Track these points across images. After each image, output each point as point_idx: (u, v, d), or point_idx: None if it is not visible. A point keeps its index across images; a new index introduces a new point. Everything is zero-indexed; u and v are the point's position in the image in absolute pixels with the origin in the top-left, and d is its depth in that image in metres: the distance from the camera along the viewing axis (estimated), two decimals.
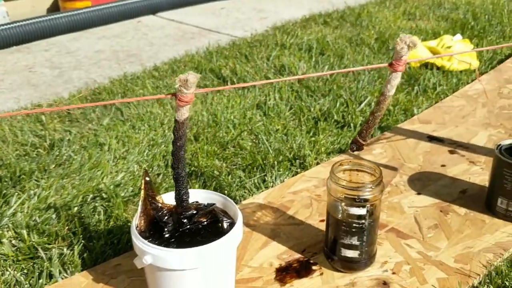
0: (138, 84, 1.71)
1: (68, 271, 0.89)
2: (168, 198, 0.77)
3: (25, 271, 0.90)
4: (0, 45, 2.28)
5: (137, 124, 1.43)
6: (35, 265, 0.91)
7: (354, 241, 0.81)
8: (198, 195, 0.79)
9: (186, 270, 0.68)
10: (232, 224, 0.73)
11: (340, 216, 0.81)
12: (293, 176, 1.16)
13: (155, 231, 0.73)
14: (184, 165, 0.70)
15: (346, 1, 2.79)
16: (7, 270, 0.89)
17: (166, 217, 0.73)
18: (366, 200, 0.78)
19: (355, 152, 0.83)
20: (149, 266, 0.69)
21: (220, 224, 0.74)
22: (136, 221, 0.72)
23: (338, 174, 0.81)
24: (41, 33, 2.39)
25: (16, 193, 1.12)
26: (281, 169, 1.17)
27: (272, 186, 1.12)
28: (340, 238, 0.82)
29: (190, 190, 0.76)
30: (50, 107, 1.58)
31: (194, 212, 0.74)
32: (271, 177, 1.15)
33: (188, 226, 0.73)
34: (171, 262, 0.67)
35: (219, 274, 0.73)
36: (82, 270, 0.89)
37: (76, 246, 0.94)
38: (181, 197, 0.72)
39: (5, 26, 2.29)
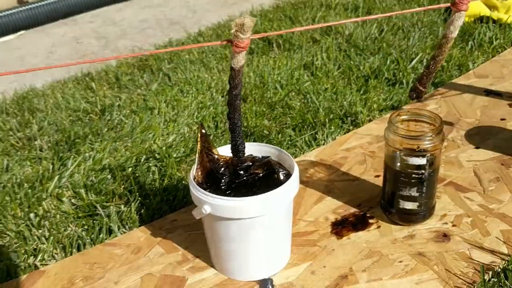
0: (184, 49, 1.71)
1: (127, 227, 0.91)
2: (223, 151, 0.77)
3: (86, 227, 0.93)
4: (48, 19, 2.32)
5: (185, 88, 1.43)
6: (94, 221, 0.93)
7: (413, 192, 0.79)
8: (252, 148, 0.78)
9: (244, 219, 0.68)
10: (288, 176, 0.73)
11: (398, 167, 0.78)
12: (345, 133, 1.13)
13: (212, 183, 0.73)
14: (240, 114, 0.69)
15: None
16: (68, 226, 0.92)
17: (222, 169, 0.73)
18: (426, 150, 0.75)
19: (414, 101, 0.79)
20: (208, 216, 0.69)
21: (276, 175, 0.73)
22: (194, 172, 0.72)
23: (396, 125, 0.78)
24: (86, 5, 2.42)
25: (72, 156, 1.15)
26: (332, 127, 1.15)
27: (323, 144, 1.10)
28: (398, 190, 0.80)
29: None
30: (100, 75, 1.60)
31: (250, 163, 0.74)
32: (322, 135, 1.13)
33: (245, 178, 0.73)
34: (230, 211, 0.67)
35: (277, 224, 0.73)
36: (140, 226, 0.91)
37: (133, 204, 0.96)
38: (237, 147, 0.71)
39: (52, 0, 2.33)
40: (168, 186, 1.01)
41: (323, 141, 1.11)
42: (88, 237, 0.89)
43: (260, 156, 0.78)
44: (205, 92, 1.40)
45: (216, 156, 0.74)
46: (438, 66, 0.73)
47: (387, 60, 1.47)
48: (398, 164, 0.78)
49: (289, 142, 1.12)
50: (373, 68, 1.43)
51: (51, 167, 1.12)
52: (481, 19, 1.67)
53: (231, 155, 0.75)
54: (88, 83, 1.55)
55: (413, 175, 0.77)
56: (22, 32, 2.25)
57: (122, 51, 1.88)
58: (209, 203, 0.67)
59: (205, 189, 0.71)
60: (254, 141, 1.14)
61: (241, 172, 0.73)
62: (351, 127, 1.16)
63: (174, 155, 1.12)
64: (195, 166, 0.73)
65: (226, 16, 2.04)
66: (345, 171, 0.99)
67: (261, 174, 0.74)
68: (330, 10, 1.93)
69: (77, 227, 0.92)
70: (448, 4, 0.70)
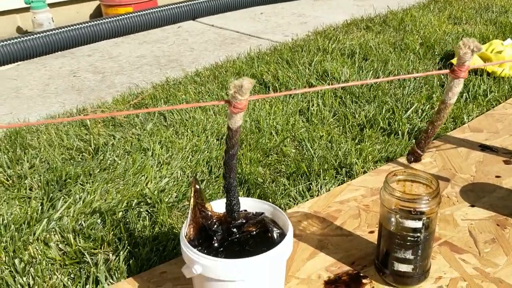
0: (180, 89, 1.71)
1: (114, 277, 0.88)
2: (217, 206, 0.75)
3: (72, 275, 0.90)
4: (46, 51, 2.33)
5: (180, 129, 1.43)
6: (81, 270, 0.91)
7: (408, 255, 0.77)
8: (246, 204, 0.77)
9: (236, 281, 0.66)
10: (282, 235, 0.71)
11: (393, 228, 0.77)
12: (339, 185, 1.12)
13: (204, 240, 0.71)
14: (235, 174, 0.68)
15: (389, 5, 2.74)
16: (54, 274, 0.90)
17: (215, 226, 0.72)
18: (422, 213, 0.74)
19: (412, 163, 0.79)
20: (198, 276, 0.67)
21: (269, 234, 0.72)
22: (186, 229, 0.71)
23: (392, 185, 0.77)
24: (85, 38, 2.43)
25: (62, 197, 1.13)
26: (326, 177, 1.14)
27: (317, 195, 1.09)
28: (393, 251, 0.79)
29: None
30: (96, 113, 1.60)
31: (244, 221, 0.73)
32: (316, 185, 1.12)
33: (237, 236, 0.71)
34: (221, 272, 0.65)
35: (268, 286, 0.71)
36: (127, 277, 0.88)
37: (121, 252, 0.93)
38: (232, 207, 0.70)
39: (51, 32, 2.34)
40: (159, 235, 0.99)
41: (317, 192, 1.10)
42: (74, 287, 0.87)
43: (254, 212, 0.76)
44: (200, 135, 1.40)
45: (209, 213, 0.72)
46: (436, 131, 0.73)
47: (383, 109, 1.47)
48: (393, 225, 0.77)
49: (283, 192, 1.11)
50: (369, 116, 1.43)
51: (40, 208, 1.10)
52: (475, 71, 1.69)
53: (224, 211, 0.74)
54: (83, 120, 1.54)
55: (409, 238, 0.76)
56: (19, 63, 2.25)
57: (118, 87, 1.88)
58: (200, 263, 0.66)
59: (196, 246, 0.69)
60: (248, 189, 1.13)
61: (234, 229, 0.72)
62: (345, 179, 1.15)
63: (166, 200, 1.11)
64: (187, 222, 0.71)
65: (224, 57, 2.05)
66: (339, 225, 0.98)
67: (254, 232, 0.72)
68: (326, 54, 1.95)
69: (63, 276, 0.90)
70: (447, 71, 0.71)
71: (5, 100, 1.83)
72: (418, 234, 0.76)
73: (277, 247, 0.67)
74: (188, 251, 0.67)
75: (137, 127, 1.47)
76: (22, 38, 2.27)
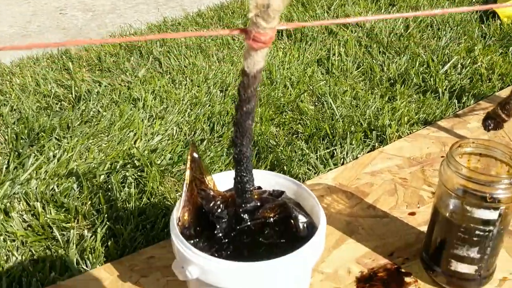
0: (179, 31, 1.48)
1: (88, 262, 0.70)
2: (222, 180, 0.56)
3: (36, 257, 0.71)
4: None
5: (178, 77, 1.22)
6: (47, 250, 0.72)
7: (473, 253, 0.58)
8: (261, 178, 0.58)
9: None
10: (311, 225, 0.52)
11: (456, 217, 0.58)
12: (369, 151, 0.93)
13: (203, 228, 0.52)
14: (251, 140, 0.48)
15: None
16: (13, 255, 0.71)
17: (219, 210, 0.52)
18: (499, 201, 0.55)
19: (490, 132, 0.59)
20: (195, 281, 0.48)
21: (293, 222, 0.52)
22: (178, 213, 0.51)
23: (459, 160, 0.57)
24: None
25: (33, 154, 0.93)
26: (353, 142, 0.94)
27: (343, 163, 0.90)
28: (451, 246, 0.59)
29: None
30: (80, 55, 1.37)
31: (258, 204, 0.53)
32: (341, 152, 0.92)
33: (249, 224, 0.52)
34: (228, 279, 0.46)
35: None
36: (105, 261, 0.70)
37: (99, 229, 0.74)
38: (243, 186, 0.50)
39: None
40: (146, 207, 0.79)
41: (342, 160, 0.90)
42: (36, 273, 0.68)
43: (272, 191, 0.57)
44: (201, 85, 1.19)
45: (211, 192, 0.53)
46: None
47: (416, 62, 1.26)
48: (456, 213, 0.58)
49: (301, 158, 0.91)
50: (400, 70, 1.22)
51: (4, 167, 0.90)
52: None
53: (231, 188, 0.54)
54: (65, 62, 1.33)
55: (477, 232, 0.57)
56: None
57: (109, 28, 1.65)
58: (198, 264, 0.47)
59: (192, 237, 0.50)
60: (258, 153, 0.93)
61: (245, 215, 0.52)
62: (376, 144, 0.95)
63: (158, 162, 0.91)
64: (180, 203, 0.52)
65: None
66: (371, 203, 0.79)
67: (272, 219, 0.53)
68: None
69: (23, 257, 0.71)
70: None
71: None
72: (491, 228, 0.56)
73: (304, 247, 0.48)
74: (181, 245, 0.48)
75: (127, 73, 1.25)
76: None
